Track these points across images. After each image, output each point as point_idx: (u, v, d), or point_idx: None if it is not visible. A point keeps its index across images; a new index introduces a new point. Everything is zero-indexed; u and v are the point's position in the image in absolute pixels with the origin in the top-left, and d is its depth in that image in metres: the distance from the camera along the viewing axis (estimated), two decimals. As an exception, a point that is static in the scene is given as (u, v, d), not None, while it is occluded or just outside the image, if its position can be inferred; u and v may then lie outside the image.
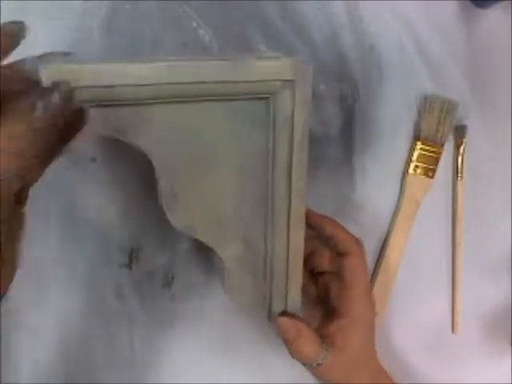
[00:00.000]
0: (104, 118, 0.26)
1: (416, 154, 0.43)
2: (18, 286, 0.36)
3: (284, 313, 0.34)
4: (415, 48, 0.42)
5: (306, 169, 0.30)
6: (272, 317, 0.34)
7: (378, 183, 0.43)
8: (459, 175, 0.45)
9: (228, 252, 0.32)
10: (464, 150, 0.44)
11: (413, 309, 0.46)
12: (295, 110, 0.28)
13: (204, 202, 0.30)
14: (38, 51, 0.33)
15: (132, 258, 0.37)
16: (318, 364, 0.34)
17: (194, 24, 0.36)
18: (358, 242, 0.37)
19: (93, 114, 0.26)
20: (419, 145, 0.43)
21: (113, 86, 0.25)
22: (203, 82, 0.26)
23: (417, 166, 0.43)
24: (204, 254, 0.39)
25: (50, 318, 0.37)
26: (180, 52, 0.36)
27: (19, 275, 0.36)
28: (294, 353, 0.34)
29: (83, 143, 0.35)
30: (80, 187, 0.36)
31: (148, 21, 0.36)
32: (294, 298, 0.34)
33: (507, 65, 0.45)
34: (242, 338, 0.41)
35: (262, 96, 0.28)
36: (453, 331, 0.47)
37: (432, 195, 0.44)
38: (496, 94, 0.45)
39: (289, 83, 0.28)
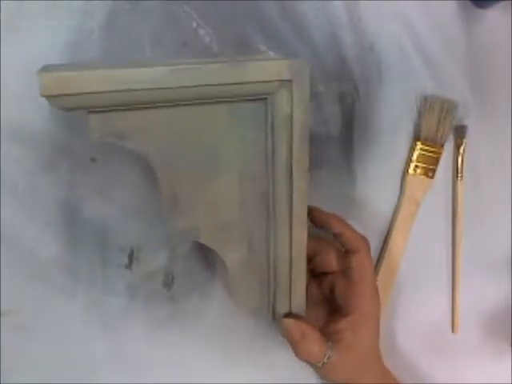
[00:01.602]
0: (104, 123, 0.26)
1: (416, 154, 0.43)
2: (18, 286, 0.36)
3: (288, 314, 0.34)
4: (415, 48, 0.42)
5: (306, 169, 0.30)
6: (276, 318, 0.34)
7: (378, 183, 0.43)
8: (459, 175, 0.45)
9: (231, 255, 0.32)
10: (464, 150, 0.44)
11: (413, 309, 0.46)
12: (293, 110, 0.28)
13: (206, 206, 0.30)
14: (38, 51, 0.34)
15: (132, 258, 0.37)
16: (323, 363, 0.34)
17: (194, 24, 0.36)
18: (364, 239, 0.37)
19: (93, 119, 0.26)
20: (419, 145, 0.43)
21: (113, 92, 0.25)
22: (203, 85, 0.26)
23: (417, 166, 0.43)
24: (204, 254, 0.39)
25: (49, 317, 0.36)
26: (180, 52, 0.36)
27: (19, 275, 0.36)
28: (299, 353, 0.34)
29: (83, 143, 0.35)
30: (80, 187, 0.36)
31: (148, 21, 0.36)
32: (299, 300, 0.34)
33: (507, 65, 0.45)
34: (242, 337, 0.41)
35: (261, 97, 0.28)
36: (453, 331, 0.47)
37: (432, 195, 0.44)
38: (496, 93, 0.45)
39: (286, 83, 0.28)
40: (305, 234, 0.32)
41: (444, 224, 0.46)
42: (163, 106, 0.27)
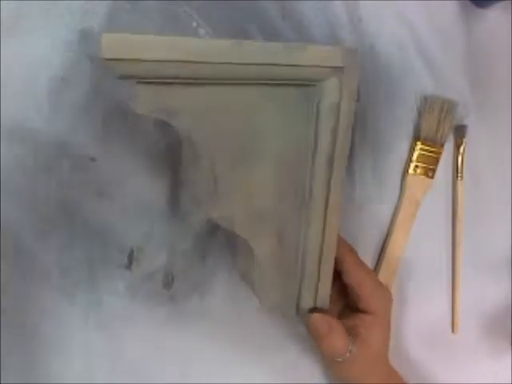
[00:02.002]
0: (156, 97, 0.25)
1: (416, 154, 0.43)
2: (18, 286, 0.36)
3: (314, 309, 0.35)
4: (415, 48, 0.42)
5: (346, 158, 0.30)
6: (300, 313, 0.34)
7: (378, 183, 0.43)
8: (459, 175, 0.45)
9: (262, 246, 0.31)
10: (464, 149, 0.44)
11: (412, 309, 0.46)
12: (342, 97, 0.28)
13: (244, 193, 0.30)
14: (38, 51, 0.34)
15: (132, 258, 0.37)
16: (343, 359, 0.34)
17: (194, 24, 0.36)
18: (352, 251, 0.37)
19: (145, 91, 0.25)
20: (419, 145, 0.43)
21: (177, 62, 0.24)
22: (264, 64, 0.26)
23: (417, 166, 0.43)
24: (204, 254, 0.39)
25: (49, 318, 0.36)
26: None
27: (19, 275, 0.36)
28: (325, 348, 0.34)
29: (83, 143, 0.35)
30: (80, 187, 0.36)
31: (148, 21, 0.36)
32: (324, 294, 0.34)
33: (507, 65, 0.45)
34: (242, 337, 0.41)
35: (309, 83, 0.28)
36: (453, 331, 0.47)
37: (432, 195, 0.44)
38: (496, 93, 0.45)
39: (338, 70, 0.27)
40: (337, 225, 0.32)
41: (444, 224, 0.46)
42: (218, 84, 0.26)
